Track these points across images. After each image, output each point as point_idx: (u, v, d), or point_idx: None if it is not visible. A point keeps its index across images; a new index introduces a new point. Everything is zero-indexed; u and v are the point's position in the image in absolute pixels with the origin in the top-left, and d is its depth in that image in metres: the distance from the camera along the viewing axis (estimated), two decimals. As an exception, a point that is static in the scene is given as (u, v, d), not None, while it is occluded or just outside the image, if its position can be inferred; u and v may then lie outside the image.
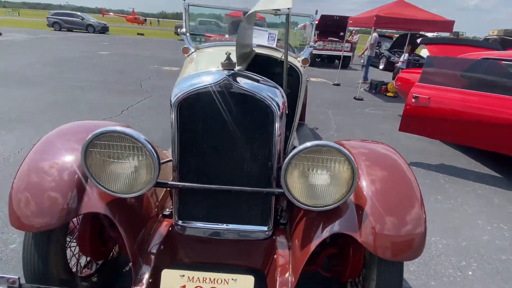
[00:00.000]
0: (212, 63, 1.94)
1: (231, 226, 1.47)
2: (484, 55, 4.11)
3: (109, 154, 1.18)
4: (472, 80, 3.50)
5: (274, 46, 2.52)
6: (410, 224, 1.21)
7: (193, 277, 1.13)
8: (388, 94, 8.05)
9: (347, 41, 11.78)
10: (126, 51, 13.70)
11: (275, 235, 1.49)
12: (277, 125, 1.30)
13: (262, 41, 2.58)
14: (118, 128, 1.15)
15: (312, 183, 1.20)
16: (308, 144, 1.14)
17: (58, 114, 4.70)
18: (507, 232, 2.64)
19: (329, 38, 12.34)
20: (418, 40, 7.62)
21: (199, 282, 1.13)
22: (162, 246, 1.39)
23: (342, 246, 1.48)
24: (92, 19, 24.59)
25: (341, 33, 11.98)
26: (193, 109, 1.29)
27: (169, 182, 1.35)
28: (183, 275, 1.13)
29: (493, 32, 22.38)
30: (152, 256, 1.35)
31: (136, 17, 45.65)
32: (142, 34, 26.51)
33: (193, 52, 2.53)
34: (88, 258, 1.62)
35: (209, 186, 1.34)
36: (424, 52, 15.61)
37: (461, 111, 3.38)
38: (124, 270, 1.91)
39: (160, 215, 1.55)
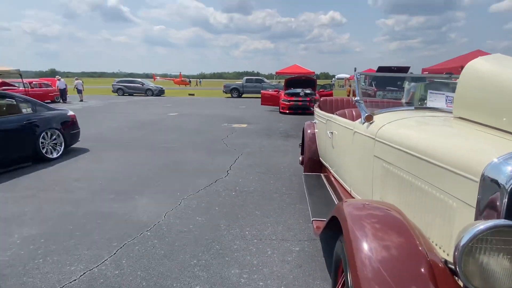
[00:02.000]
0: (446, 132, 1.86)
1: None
2: None
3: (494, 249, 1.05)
4: None
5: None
6: None
7: None
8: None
9: (408, 91, 11.72)
10: (189, 111, 14.59)
11: None
12: None
13: (440, 104, 2.50)
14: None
15: None
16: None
17: (175, 177, 4.84)
18: None
19: (387, 88, 12.37)
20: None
21: None
22: None
23: None
24: (150, 84, 27.07)
25: (398, 83, 11.99)
26: None
27: None
28: None
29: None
30: None
31: (183, 79, 49.80)
32: (193, 95, 28.54)
33: (370, 118, 2.48)
34: None
35: None
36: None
37: None
38: None
39: None
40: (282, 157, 6.17)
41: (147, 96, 25.54)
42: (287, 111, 13.25)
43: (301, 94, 13.44)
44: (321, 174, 3.92)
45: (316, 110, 4.21)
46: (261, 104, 14.84)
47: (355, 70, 2.82)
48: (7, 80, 16.98)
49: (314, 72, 19.35)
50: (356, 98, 2.65)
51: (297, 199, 3.96)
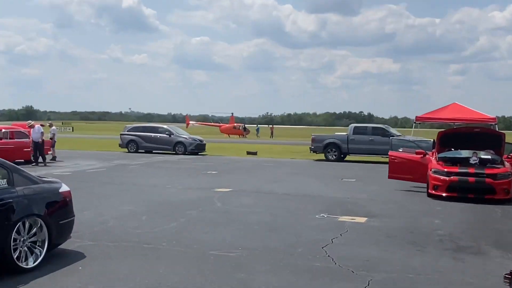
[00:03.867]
0: None
1: None
2: None
3: None
4: None
5: None
6: None
7: None
8: None
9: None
10: (252, 186, 14.74)
11: None
12: None
13: None
14: None
15: None
16: None
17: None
18: None
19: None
20: None
21: None
22: None
23: None
24: (183, 133, 28.77)
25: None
26: None
27: None
28: None
29: None
30: None
31: (235, 125, 52.08)
32: (255, 153, 29.30)
33: None
34: None
35: None
36: None
37: None
38: None
39: None
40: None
41: (177, 154, 26.92)
42: (445, 194, 12.39)
43: (472, 161, 12.72)
44: None
45: None
46: (389, 176, 14.39)
47: None
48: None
49: (495, 119, 18.13)
50: None
51: None
